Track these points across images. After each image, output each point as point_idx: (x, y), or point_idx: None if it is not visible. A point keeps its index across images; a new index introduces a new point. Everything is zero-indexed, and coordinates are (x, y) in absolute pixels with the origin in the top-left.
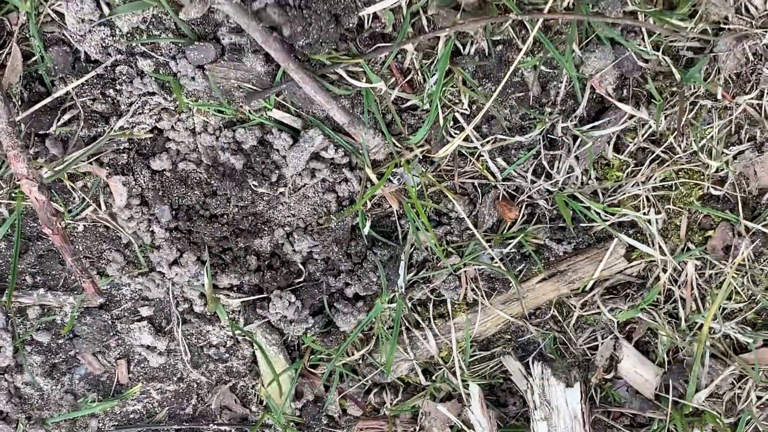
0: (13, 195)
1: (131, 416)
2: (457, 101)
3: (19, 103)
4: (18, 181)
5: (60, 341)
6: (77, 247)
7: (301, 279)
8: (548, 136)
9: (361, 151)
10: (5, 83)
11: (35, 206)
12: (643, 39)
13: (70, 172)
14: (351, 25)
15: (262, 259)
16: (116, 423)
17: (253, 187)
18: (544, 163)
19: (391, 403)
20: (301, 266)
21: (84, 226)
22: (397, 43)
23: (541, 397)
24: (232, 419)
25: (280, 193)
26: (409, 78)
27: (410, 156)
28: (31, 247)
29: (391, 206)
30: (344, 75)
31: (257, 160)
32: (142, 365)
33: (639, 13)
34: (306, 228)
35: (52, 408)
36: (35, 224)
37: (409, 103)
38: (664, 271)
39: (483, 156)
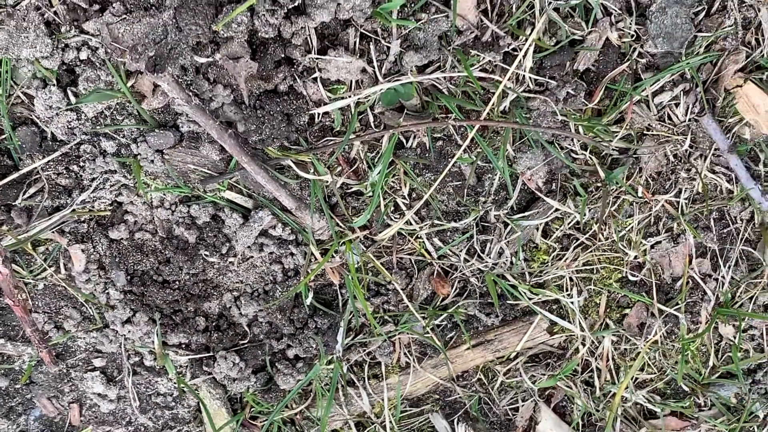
0: None
1: None
2: (398, 188)
3: None
4: None
5: (17, 386)
6: (37, 303)
7: (246, 340)
8: (481, 222)
9: (307, 231)
10: None
11: None
12: (572, 141)
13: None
14: (302, 122)
15: (210, 320)
16: None
17: (204, 256)
18: (477, 246)
19: None
20: (246, 328)
21: (44, 284)
22: (345, 140)
23: None
24: None
25: (230, 262)
26: (354, 167)
27: (352, 237)
28: None
29: (330, 277)
30: (293, 166)
31: (209, 234)
32: (94, 410)
33: (569, 121)
34: (252, 294)
35: None
36: None
37: (353, 189)
38: (583, 344)
39: (420, 237)
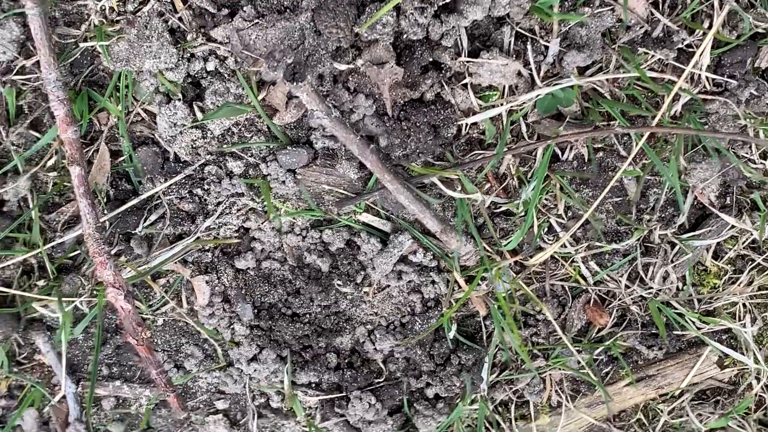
0: (95, 292)
1: None
2: (552, 206)
3: (105, 200)
4: (102, 282)
5: None
6: (156, 340)
7: (382, 379)
8: (644, 243)
9: (450, 255)
10: (92, 182)
11: (120, 315)
12: (750, 148)
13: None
14: (449, 134)
15: (342, 357)
16: None
17: (337, 286)
18: (640, 270)
19: None
20: (381, 365)
21: (163, 320)
22: (498, 153)
23: None
24: None
25: (364, 292)
26: (504, 184)
27: (502, 264)
28: (108, 340)
29: (476, 306)
30: (439, 183)
31: (344, 261)
32: None
33: (749, 125)
34: (388, 327)
35: None
36: (114, 316)
37: (502, 208)
38: (758, 379)
39: (576, 261)
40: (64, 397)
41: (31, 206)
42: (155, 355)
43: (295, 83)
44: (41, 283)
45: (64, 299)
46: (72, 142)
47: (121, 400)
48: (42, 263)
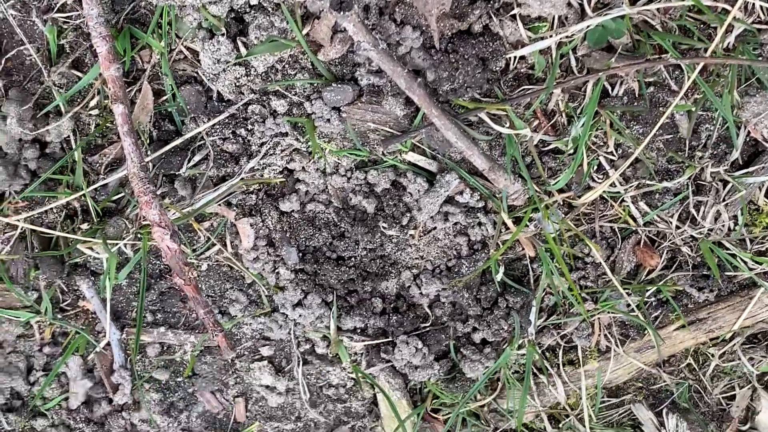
0: (139, 235)
1: None
2: (601, 144)
3: (148, 141)
4: (146, 225)
5: (179, 379)
6: (200, 286)
7: (428, 324)
8: (696, 181)
9: (497, 195)
10: (135, 122)
11: (166, 255)
12: None
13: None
14: (498, 68)
15: (388, 302)
16: None
17: (382, 229)
18: (692, 209)
19: None
20: (427, 310)
21: (207, 265)
22: (548, 86)
23: None
24: None
25: (410, 235)
26: (552, 121)
27: (550, 202)
28: (153, 285)
29: (523, 249)
30: (487, 119)
31: (389, 203)
32: (260, 404)
33: None
34: (434, 271)
35: None
36: (157, 261)
37: (550, 146)
38: None
39: (625, 200)
40: (108, 344)
41: (73, 147)
42: (202, 294)
43: (342, 12)
44: (85, 226)
45: (108, 241)
46: (115, 80)
47: (165, 347)
48: (85, 206)
